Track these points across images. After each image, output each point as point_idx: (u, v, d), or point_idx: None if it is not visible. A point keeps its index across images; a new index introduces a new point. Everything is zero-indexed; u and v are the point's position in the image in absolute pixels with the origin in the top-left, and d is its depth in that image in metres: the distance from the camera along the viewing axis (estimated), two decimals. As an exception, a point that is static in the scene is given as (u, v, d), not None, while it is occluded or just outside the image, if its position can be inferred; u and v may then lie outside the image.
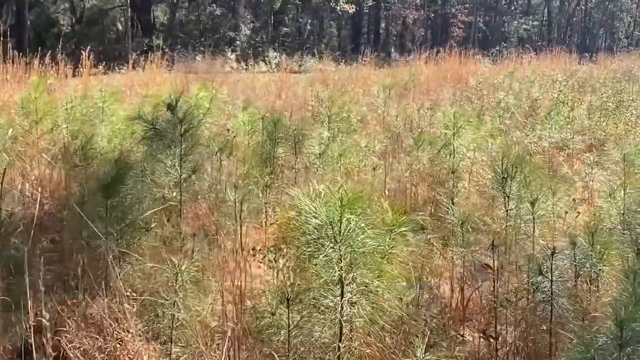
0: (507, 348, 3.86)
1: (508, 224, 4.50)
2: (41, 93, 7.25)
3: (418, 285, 3.88)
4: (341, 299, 2.96)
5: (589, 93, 13.46)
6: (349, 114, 9.22)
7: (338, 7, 30.73)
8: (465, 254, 4.29)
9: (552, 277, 3.61)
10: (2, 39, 12.43)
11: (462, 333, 4.12)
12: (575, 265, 3.79)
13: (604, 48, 37.63)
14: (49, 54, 12.48)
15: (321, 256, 2.92)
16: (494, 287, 4.07)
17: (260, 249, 4.30)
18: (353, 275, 2.99)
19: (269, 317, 3.04)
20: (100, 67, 14.38)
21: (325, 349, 3.04)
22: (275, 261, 3.80)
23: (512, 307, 3.93)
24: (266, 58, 26.07)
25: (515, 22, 41.25)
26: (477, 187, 6.16)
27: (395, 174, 7.22)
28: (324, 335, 3.03)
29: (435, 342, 3.34)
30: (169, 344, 3.35)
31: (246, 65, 24.27)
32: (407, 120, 10.04)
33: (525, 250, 4.25)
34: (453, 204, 4.62)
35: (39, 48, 12.84)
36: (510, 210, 4.58)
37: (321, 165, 6.16)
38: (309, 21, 33.08)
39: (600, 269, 3.80)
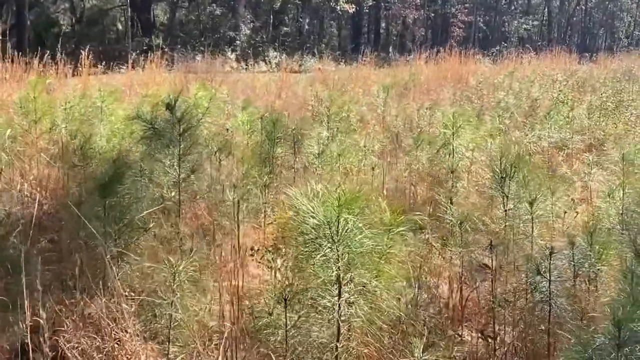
0: (506, 348, 3.86)
1: (507, 223, 4.50)
2: (40, 92, 7.26)
3: (417, 286, 3.88)
4: (339, 298, 2.96)
5: (589, 93, 13.46)
6: (348, 114, 9.22)
7: (338, 7, 30.73)
8: (463, 254, 4.29)
9: (550, 277, 3.60)
10: (1, 38, 12.43)
11: (460, 333, 4.12)
12: (574, 265, 3.78)
13: (604, 48, 37.62)
14: (47, 53, 12.46)
15: (318, 256, 2.92)
16: (492, 287, 4.07)
17: (258, 249, 4.30)
18: (351, 275, 2.98)
19: (267, 317, 3.04)
20: (100, 66, 14.37)
21: (323, 349, 3.03)
22: (274, 261, 3.79)
23: (510, 307, 3.92)
24: (266, 58, 26.07)
25: (516, 21, 41.25)
26: (476, 187, 6.16)
27: (394, 173, 7.22)
28: (322, 335, 3.02)
29: (433, 342, 3.34)
30: (167, 343, 3.34)
31: (246, 65, 24.27)
32: (406, 120, 10.03)
33: (524, 250, 4.25)
34: (452, 203, 4.61)
35: (39, 48, 12.83)
36: (509, 210, 4.57)
37: (320, 165, 6.15)
38: (307, 20, 33.06)
39: (598, 269, 3.80)
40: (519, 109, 10.91)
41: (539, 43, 34.06)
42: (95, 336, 3.49)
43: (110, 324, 3.47)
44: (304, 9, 32.77)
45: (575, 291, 3.75)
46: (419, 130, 8.93)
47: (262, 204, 5.46)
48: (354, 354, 3.03)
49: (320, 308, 3.02)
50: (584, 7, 43.86)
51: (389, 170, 7.25)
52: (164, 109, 5.32)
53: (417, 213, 4.82)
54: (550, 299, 3.62)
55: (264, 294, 3.21)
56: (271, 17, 30.38)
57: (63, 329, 3.55)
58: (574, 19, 44.25)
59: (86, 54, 12.64)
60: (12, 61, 11.81)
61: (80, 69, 12.90)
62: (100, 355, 3.40)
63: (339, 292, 2.98)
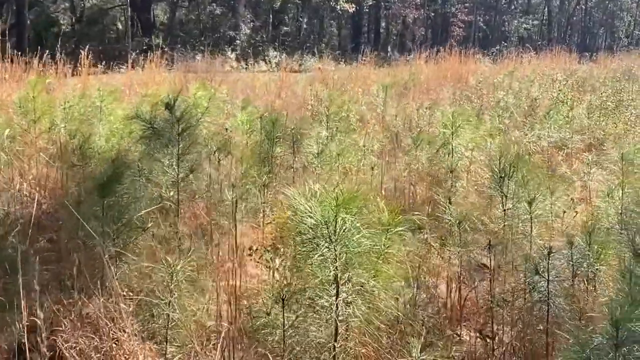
0: (504, 348, 3.86)
1: (505, 223, 4.50)
2: (39, 92, 7.26)
3: (415, 285, 3.88)
4: (336, 298, 2.96)
5: (589, 92, 13.45)
6: (348, 114, 9.22)
7: (338, 6, 30.72)
8: (462, 254, 4.28)
9: (548, 276, 3.60)
10: (1, 38, 12.43)
11: (459, 333, 4.12)
12: (573, 265, 3.78)
13: (604, 47, 37.59)
14: (47, 53, 12.46)
15: (316, 256, 2.91)
16: (490, 287, 4.07)
17: (257, 249, 4.30)
18: (348, 275, 2.98)
19: (264, 317, 3.03)
20: (100, 66, 14.37)
21: (321, 349, 3.03)
22: (272, 261, 3.79)
23: (508, 307, 3.92)
24: (266, 57, 26.05)
25: (516, 21, 41.23)
26: (475, 187, 6.16)
27: (394, 173, 7.21)
28: (320, 335, 3.02)
29: (431, 342, 3.34)
30: (165, 343, 3.34)
31: (246, 64, 24.25)
32: (406, 119, 10.03)
33: (523, 250, 4.24)
34: (450, 203, 4.60)
35: (39, 47, 12.83)
36: (507, 209, 4.57)
37: (319, 165, 6.15)
38: (306, 20, 33.04)
39: (597, 269, 3.80)
40: (519, 108, 10.91)
41: (539, 42, 34.04)
42: (93, 336, 3.48)
43: (108, 323, 3.46)
44: (304, 8, 32.76)
45: (573, 291, 3.75)
46: (418, 129, 8.93)
47: (261, 203, 5.45)
48: (352, 354, 3.03)
49: (318, 308, 3.01)
50: (584, 7, 43.85)
51: (389, 170, 7.24)
52: (163, 109, 5.32)
53: (416, 213, 4.81)
54: (548, 299, 3.62)
55: (261, 294, 3.21)
56: (270, 16, 30.37)
57: (61, 328, 3.55)
58: (574, 18, 44.24)
59: (86, 53, 12.63)
60: (12, 61, 11.81)
61: (80, 68, 12.89)
62: (98, 355, 3.40)
63: (337, 292, 2.97)
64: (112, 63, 16.30)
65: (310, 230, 2.94)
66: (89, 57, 12.74)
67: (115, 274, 3.69)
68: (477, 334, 3.94)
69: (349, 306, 2.98)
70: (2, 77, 11.34)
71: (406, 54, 26.45)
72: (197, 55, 21.81)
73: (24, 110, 7.09)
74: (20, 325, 3.24)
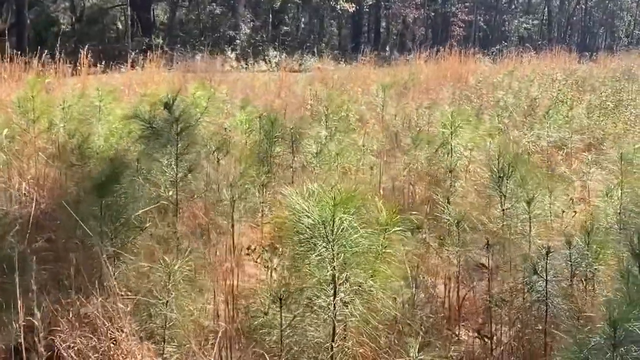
0: (502, 348, 3.85)
1: (504, 223, 4.49)
2: (38, 92, 7.26)
3: (414, 285, 3.87)
4: (334, 298, 2.95)
5: (589, 92, 13.44)
6: (347, 113, 9.21)
7: (338, 6, 30.70)
8: (460, 254, 4.28)
9: (546, 276, 3.60)
10: (1, 37, 12.43)
11: (457, 333, 4.11)
12: (571, 264, 3.78)
13: (604, 47, 37.57)
14: (46, 53, 12.46)
15: (313, 255, 2.91)
16: (488, 286, 4.06)
17: (255, 248, 4.29)
18: (346, 274, 2.98)
19: (262, 317, 3.03)
20: (100, 66, 14.37)
21: (319, 349, 3.03)
22: (270, 260, 3.79)
23: (507, 306, 3.92)
24: (266, 57, 26.04)
25: (516, 21, 41.21)
26: (474, 187, 6.15)
27: (393, 173, 7.21)
28: (318, 335, 3.01)
29: (429, 342, 3.33)
30: (162, 343, 3.34)
31: (246, 64, 24.25)
32: (405, 119, 10.02)
33: (521, 250, 4.24)
34: (449, 203, 4.60)
35: (39, 47, 12.83)
36: (506, 209, 4.57)
37: (318, 165, 6.15)
38: (307, 19, 33.03)
39: (595, 269, 3.79)
40: (518, 108, 10.90)
41: (539, 42, 34.03)
42: (91, 336, 3.48)
43: (106, 323, 3.46)
44: (304, 8, 32.75)
45: (572, 291, 3.74)
46: (417, 129, 8.92)
47: (260, 203, 5.45)
48: (350, 354, 3.03)
49: (315, 308, 3.01)
50: (584, 7, 43.82)
51: (388, 170, 7.24)
52: (162, 108, 5.32)
53: (414, 213, 4.81)
54: (546, 299, 3.62)
55: (258, 294, 3.21)
56: (269, 16, 30.36)
57: (59, 328, 3.54)
58: (574, 18, 44.22)
59: (85, 53, 12.63)
60: (11, 60, 11.81)
61: (79, 68, 12.90)
62: (96, 355, 3.40)
63: (334, 291, 2.97)
64: (111, 63, 16.28)
65: (308, 230, 2.94)
66: (89, 56, 12.74)
67: (114, 274, 3.68)
68: (476, 334, 3.94)
69: (347, 306, 2.97)
70: (2, 76, 11.34)
71: (406, 53, 26.43)
72: (197, 55, 21.81)
73: (23, 109, 7.09)
74: (17, 325, 3.24)
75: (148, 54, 15.72)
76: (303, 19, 33.08)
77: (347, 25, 36.51)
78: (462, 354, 3.87)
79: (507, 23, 40.91)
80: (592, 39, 43.22)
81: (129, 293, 3.64)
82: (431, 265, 4.56)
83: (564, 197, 5.09)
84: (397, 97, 12.27)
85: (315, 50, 27.36)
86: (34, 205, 5.68)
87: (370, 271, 3.09)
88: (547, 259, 3.61)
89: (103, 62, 14.97)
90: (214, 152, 6.13)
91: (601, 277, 3.79)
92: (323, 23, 34.25)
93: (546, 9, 43.67)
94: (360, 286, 3.02)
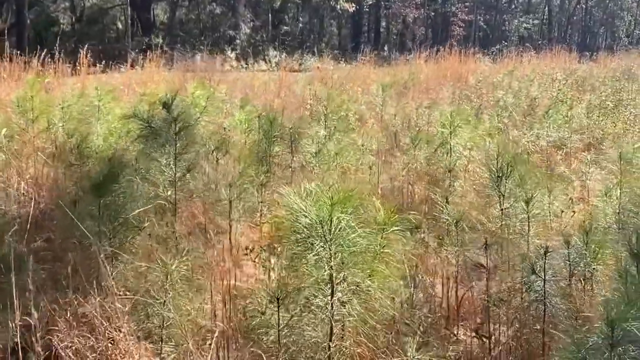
0: (500, 347, 3.84)
1: (503, 222, 4.49)
2: (38, 91, 7.26)
3: (412, 285, 3.87)
4: (331, 298, 2.95)
5: (588, 92, 13.43)
6: (347, 113, 9.20)
7: (338, 6, 30.69)
8: (459, 253, 4.27)
9: (544, 276, 3.59)
10: (0, 37, 12.44)
11: (455, 332, 4.11)
12: (570, 264, 3.77)
13: (604, 47, 37.56)
14: (45, 52, 12.46)
15: (311, 255, 2.91)
16: (487, 286, 4.06)
17: (253, 248, 4.29)
18: (344, 274, 2.97)
19: (260, 317, 3.03)
20: (99, 65, 14.37)
21: (316, 349, 3.02)
22: (268, 260, 3.79)
23: (505, 306, 3.91)
24: (266, 57, 26.03)
25: (516, 20, 41.19)
26: (473, 186, 6.14)
27: (392, 172, 7.20)
28: (315, 334, 3.01)
29: (427, 342, 3.33)
30: (160, 343, 3.33)
31: (246, 63, 24.23)
32: (405, 118, 10.02)
33: (520, 249, 4.23)
34: (448, 202, 4.59)
35: (38, 47, 12.83)
36: (505, 209, 4.57)
37: (317, 164, 6.14)
38: (307, 19, 33.02)
39: (594, 269, 3.79)
40: (518, 108, 10.89)
41: (539, 42, 34.02)
42: (89, 335, 3.48)
43: (104, 323, 3.46)
44: (304, 7, 32.74)
45: (570, 290, 3.74)
46: (417, 129, 8.91)
47: (259, 202, 5.45)
48: (347, 354, 3.02)
49: (313, 307, 3.01)
50: (584, 6, 43.81)
51: (388, 169, 7.23)
52: (161, 108, 5.31)
53: (413, 212, 4.80)
54: (545, 299, 3.62)
55: (255, 293, 3.20)
56: (269, 15, 30.34)
57: (57, 328, 3.54)
58: (575, 17, 44.20)
59: (84, 52, 12.63)
60: (11, 60, 11.81)
61: (79, 68, 12.90)
62: (94, 355, 3.39)
63: (332, 291, 2.97)
64: (111, 62, 16.27)
65: (305, 230, 2.93)
66: (88, 56, 12.74)
67: (112, 274, 3.68)
68: (474, 334, 3.93)
69: (344, 306, 2.97)
70: (1, 76, 11.34)
71: (406, 53, 26.39)
72: (197, 55, 21.80)
73: (22, 109, 7.09)
74: (13, 325, 3.23)
75: (148, 53, 15.72)
76: (303, 19, 33.06)
77: (347, 25, 36.51)
78: (460, 353, 3.87)
79: (507, 23, 40.90)
80: (593, 39, 43.20)
81: (127, 293, 3.63)
82: (430, 265, 4.55)
83: (563, 197, 5.08)
84: (397, 96, 12.26)
85: (315, 50, 27.35)
86: (32, 205, 5.68)
87: (368, 271, 3.09)
88: (545, 259, 3.60)
89: (103, 62, 14.97)
90: (213, 151, 6.13)
91: (599, 277, 3.78)
92: (323, 23, 34.25)
93: (546, 8, 43.66)
94: (357, 286, 3.02)
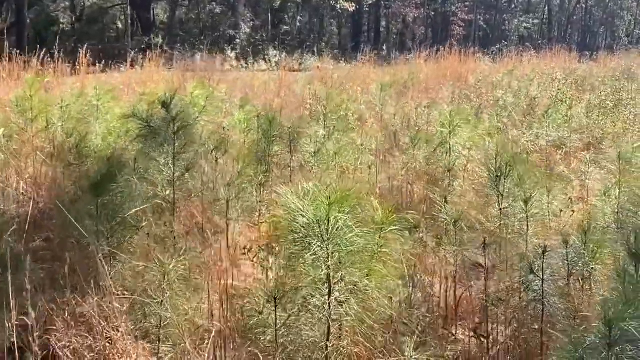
0: (499, 347, 3.84)
1: (501, 222, 4.48)
2: (37, 91, 7.26)
3: (411, 284, 3.87)
4: (329, 297, 2.95)
5: (588, 91, 13.42)
6: (346, 112, 9.20)
7: (338, 5, 30.68)
8: (457, 253, 4.27)
9: (543, 276, 3.59)
10: (0, 36, 12.44)
11: (454, 332, 4.10)
12: (568, 264, 3.77)
13: (604, 46, 37.54)
14: (45, 51, 12.45)
15: (308, 254, 2.90)
16: (485, 286, 4.05)
17: (251, 248, 4.28)
18: (341, 274, 2.97)
19: (257, 316, 3.02)
20: (99, 65, 14.36)
21: (314, 348, 3.02)
22: (267, 260, 3.78)
23: (503, 306, 3.91)
24: (266, 56, 26.01)
25: (516, 20, 41.18)
26: (473, 186, 6.14)
27: (392, 172, 7.20)
28: (312, 334, 3.01)
29: (425, 341, 3.33)
30: (157, 343, 3.33)
31: (246, 63, 24.21)
32: (405, 118, 10.01)
33: (519, 249, 4.23)
34: (446, 202, 4.59)
35: (38, 46, 12.82)
36: (504, 208, 4.56)
37: (316, 164, 6.14)
38: (307, 19, 33.02)
39: (592, 268, 3.78)
40: (518, 107, 10.88)
41: (539, 41, 34.01)
42: (87, 335, 3.47)
43: (102, 322, 3.46)
44: (304, 7, 32.74)
45: (569, 290, 3.73)
46: (417, 128, 8.91)
47: (258, 202, 5.45)
48: (345, 353, 3.02)
49: (310, 307, 3.00)
50: (584, 6, 43.79)
51: (387, 169, 7.23)
52: (160, 107, 5.31)
53: (411, 212, 4.80)
54: (543, 298, 3.61)
55: (253, 293, 3.20)
56: (269, 15, 30.33)
57: (55, 327, 3.54)
58: (575, 17, 44.19)
59: (84, 52, 12.63)
60: (10, 59, 11.81)
61: (78, 67, 12.89)
62: (92, 354, 3.39)
63: (329, 290, 2.96)
64: (111, 62, 16.27)
65: (303, 229, 2.93)
66: (87, 55, 12.74)
67: (110, 273, 3.68)
68: (472, 333, 3.93)
69: (342, 305, 2.96)
70: (0, 75, 11.34)
71: (406, 53, 26.37)
72: (197, 54, 21.79)
73: (21, 108, 7.09)
74: (9, 325, 3.23)
75: (147, 53, 15.72)
76: (303, 18, 33.06)
77: (347, 24, 36.50)
78: (458, 353, 3.86)
79: (507, 22, 40.89)
80: (593, 39, 43.19)
81: (125, 292, 3.63)
82: (428, 265, 4.55)
83: (562, 197, 5.08)
84: (397, 96, 12.26)
85: (315, 49, 27.34)
86: (31, 205, 5.68)
87: (366, 270, 3.08)
88: (543, 259, 3.60)
89: (103, 62, 14.97)
90: (212, 151, 6.13)
91: (598, 277, 3.77)
92: (323, 22, 34.25)
93: (546, 8, 43.65)
94: (355, 285, 3.01)
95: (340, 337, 3.04)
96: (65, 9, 28.39)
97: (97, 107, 6.87)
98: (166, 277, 3.30)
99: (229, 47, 25.78)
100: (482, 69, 18.79)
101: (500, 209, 4.55)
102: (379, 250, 3.22)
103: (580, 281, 3.78)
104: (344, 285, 2.99)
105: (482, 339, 3.83)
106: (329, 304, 2.94)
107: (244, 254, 4.31)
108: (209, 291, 3.80)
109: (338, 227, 2.92)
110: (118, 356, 3.37)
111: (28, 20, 23.18)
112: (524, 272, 3.71)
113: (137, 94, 10.11)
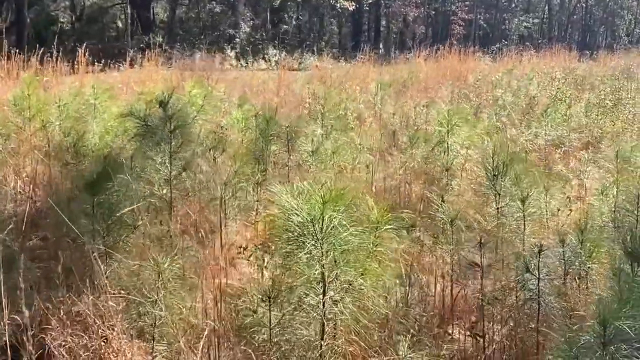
0: (495, 346, 3.83)
1: (498, 221, 4.48)
2: (35, 90, 7.25)
3: (407, 283, 3.86)
4: (323, 296, 2.94)
5: (588, 90, 13.42)
6: (345, 112, 9.20)
7: (338, 5, 30.66)
8: (454, 252, 4.26)
9: (539, 274, 3.58)
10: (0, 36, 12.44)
11: (449, 331, 4.10)
12: (564, 263, 3.76)
13: (604, 46, 37.51)
14: (44, 51, 12.44)
15: (302, 253, 2.90)
16: (481, 285, 4.05)
17: (247, 247, 4.28)
18: (336, 273, 2.96)
19: (252, 315, 3.02)
20: (98, 64, 14.35)
21: (308, 347, 3.01)
22: (262, 259, 3.77)
23: (499, 305, 3.90)
24: (266, 55, 26.00)
25: (516, 19, 41.17)
26: (471, 185, 6.13)
27: (390, 171, 7.19)
28: (307, 333, 3.00)
29: (420, 340, 3.32)
30: (152, 341, 3.33)
31: (245, 62, 24.21)
32: (403, 117, 10.00)
33: (515, 248, 4.22)
34: (443, 201, 4.58)
35: (38, 46, 12.81)
36: (501, 207, 4.56)
37: (314, 163, 6.13)
38: (307, 18, 33.00)
39: (589, 267, 3.77)
40: (517, 106, 10.87)
41: (539, 41, 34.00)
42: (82, 334, 3.47)
43: (97, 321, 3.45)
44: (304, 6, 32.73)
45: (565, 289, 3.72)
46: (415, 128, 8.90)
47: (255, 201, 5.44)
48: (339, 352, 3.01)
49: (305, 306, 3.00)
50: (584, 5, 43.78)
51: (385, 168, 7.22)
52: (157, 106, 5.30)
53: (406, 211, 4.79)
54: (539, 297, 3.60)
55: (247, 292, 3.19)
56: (268, 14, 30.32)
57: (50, 326, 3.53)
58: (575, 16, 44.17)
59: (83, 51, 12.63)
60: (9, 59, 11.80)
61: (77, 66, 12.89)
62: (87, 353, 3.38)
63: (324, 289, 2.96)
64: (110, 61, 16.26)
65: (297, 228, 2.92)
66: (86, 54, 12.74)
67: (105, 272, 3.67)
68: (468, 332, 3.92)
69: (336, 304, 2.96)
70: (-1, 75, 11.34)
71: (406, 52, 26.36)
72: (196, 54, 21.78)
73: (19, 107, 7.08)
74: (2, 323, 3.22)
75: (147, 52, 15.71)
76: (303, 17, 33.05)
77: (347, 23, 36.48)
78: (454, 352, 3.86)
79: (507, 21, 40.88)
80: (593, 38, 43.17)
81: (121, 291, 3.63)
82: (425, 264, 4.54)
83: (560, 196, 5.07)
84: (396, 95, 12.26)
85: (315, 48, 27.33)
86: (28, 204, 5.67)
87: (361, 269, 3.07)
88: (539, 257, 3.59)
89: (102, 61, 14.96)
90: (209, 150, 6.12)
91: (594, 276, 3.76)
92: (323, 21, 34.23)
93: (546, 7, 43.63)
94: (350, 284, 3.00)
95: (334, 336, 3.03)
96: (65, 8, 28.39)
97: (95, 106, 6.85)
98: (161, 276, 3.29)
99: (229, 46, 25.79)
100: (481, 68, 18.77)
101: (498, 208, 4.55)
102: (374, 249, 3.21)
103: (577, 280, 3.77)
104: (338, 284, 2.98)
105: (478, 338, 3.82)
106: (324, 302, 2.93)
107: (240, 253, 4.30)
108: (203, 290, 3.79)
109: (332, 226, 2.92)
110: (113, 355, 3.36)
111: (28, 20, 23.18)
112: (520, 271, 3.71)
113: (135, 93, 10.10)
